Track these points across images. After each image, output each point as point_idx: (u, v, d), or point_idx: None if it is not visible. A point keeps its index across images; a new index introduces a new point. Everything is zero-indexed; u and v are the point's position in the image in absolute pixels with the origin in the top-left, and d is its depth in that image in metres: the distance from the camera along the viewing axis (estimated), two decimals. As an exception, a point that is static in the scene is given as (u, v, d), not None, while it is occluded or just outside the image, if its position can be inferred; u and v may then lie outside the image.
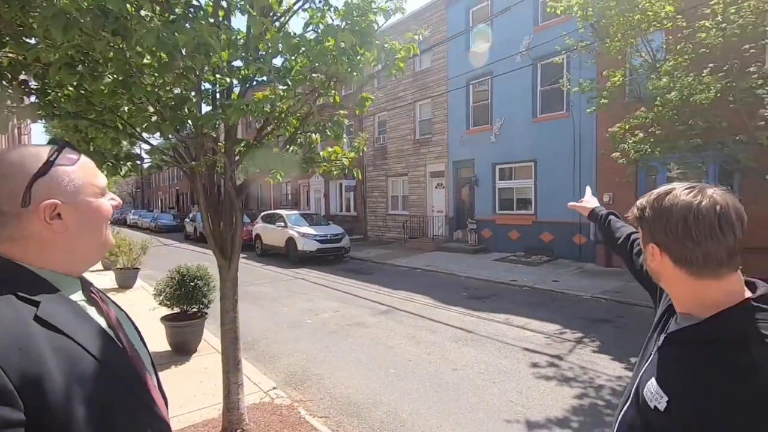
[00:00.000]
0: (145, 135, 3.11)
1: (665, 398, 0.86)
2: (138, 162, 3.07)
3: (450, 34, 14.16)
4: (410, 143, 17.37)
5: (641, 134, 6.75)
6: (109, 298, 0.91)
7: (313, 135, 3.63)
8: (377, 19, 3.26)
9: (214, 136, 2.80)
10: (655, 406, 0.88)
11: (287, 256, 13.85)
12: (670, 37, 7.02)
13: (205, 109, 3.03)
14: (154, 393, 0.84)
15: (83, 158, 0.82)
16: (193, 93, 2.39)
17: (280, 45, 2.20)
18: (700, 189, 0.86)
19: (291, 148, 3.61)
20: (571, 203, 1.89)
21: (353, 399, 4.24)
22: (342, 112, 3.48)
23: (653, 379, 0.92)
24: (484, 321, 6.84)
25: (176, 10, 2.35)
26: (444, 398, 4.21)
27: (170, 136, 2.79)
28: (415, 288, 9.38)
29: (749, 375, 0.77)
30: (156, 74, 1.93)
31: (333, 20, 3.26)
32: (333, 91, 3.23)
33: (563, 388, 4.41)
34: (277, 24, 2.91)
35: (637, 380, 0.98)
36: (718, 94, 5.76)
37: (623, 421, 1.00)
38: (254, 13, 2.36)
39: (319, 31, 2.59)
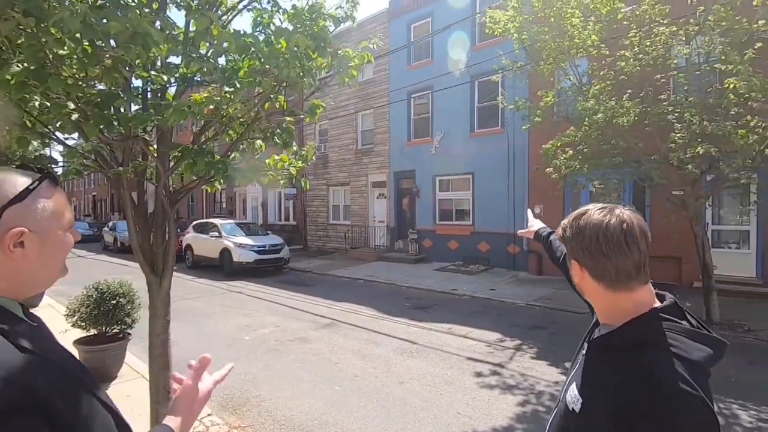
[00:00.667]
0: (60, 135, 2.72)
1: (580, 400, 0.95)
2: (51, 166, 2.66)
3: (392, 48, 14.39)
4: (352, 153, 17.32)
5: (571, 151, 7.25)
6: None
7: (258, 142, 3.42)
8: (324, 25, 3.17)
9: (147, 138, 2.51)
10: (572, 409, 0.97)
11: (222, 267, 13.07)
12: (595, 64, 7.67)
13: (134, 109, 2.73)
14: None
15: (59, 191, 0.84)
16: (121, 90, 2.10)
17: (226, 44, 2.01)
18: (610, 209, 0.96)
19: (232, 155, 3.36)
20: (520, 231, 2.01)
21: (297, 421, 4.01)
22: (289, 119, 3.32)
23: (574, 384, 1.01)
24: (428, 331, 6.88)
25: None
26: (392, 414, 4.11)
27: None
28: (358, 299, 9.25)
29: (640, 374, 0.85)
30: (78, 66, 1.66)
31: (281, 23, 3.10)
32: (281, 97, 3.07)
33: (507, 396, 4.51)
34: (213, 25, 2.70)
35: (565, 387, 1.07)
36: (636, 118, 6.36)
37: (551, 426, 1.08)
38: (196, 7, 2.16)
39: (270, 32, 2.43)
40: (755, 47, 5.88)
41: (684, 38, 6.55)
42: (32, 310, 0.87)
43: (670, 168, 6.70)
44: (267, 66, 2.20)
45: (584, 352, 1.05)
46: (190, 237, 14.73)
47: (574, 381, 1.02)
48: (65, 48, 1.57)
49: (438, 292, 10.01)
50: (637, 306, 0.95)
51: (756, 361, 5.43)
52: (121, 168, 2.57)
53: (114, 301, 4.83)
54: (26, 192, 0.76)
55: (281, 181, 3.55)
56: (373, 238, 16.32)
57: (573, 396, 0.98)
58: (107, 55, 1.51)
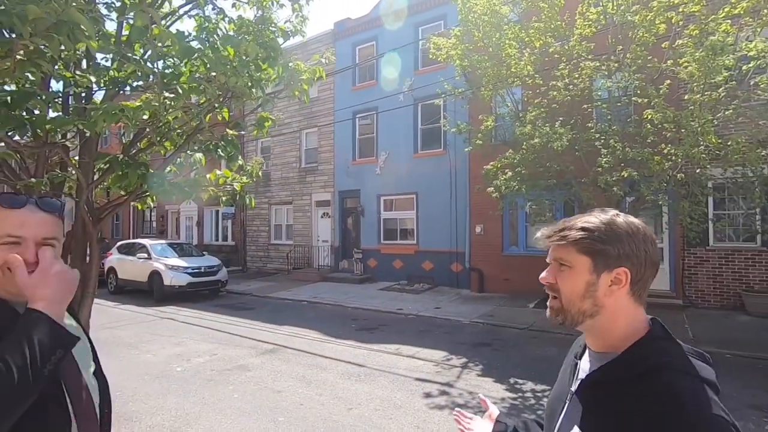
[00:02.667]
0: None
1: None
2: None
3: (337, 68, 14.48)
4: (296, 171, 16.97)
5: (510, 173, 7.62)
6: (79, 325, 1.13)
7: (197, 155, 3.18)
8: (273, 37, 3.06)
9: (70, 146, 2.21)
10: None
11: (151, 292, 12.02)
12: (530, 92, 8.21)
13: (51, 114, 2.41)
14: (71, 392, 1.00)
15: (4, 208, 0.96)
16: (38, 89, 1.83)
17: (168, 46, 1.83)
18: (626, 215, 0.90)
19: (168, 169, 3.09)
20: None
21: (237, 460, 3.66)
22: (232, 132, 3.13)
23: (576, 427, 0.86)
24: (375, 353, 6.73)
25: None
26: (341, 444, 3.90)
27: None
28: (302, 322, 8.89)
29: (670, 402, 0.74)
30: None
31: (226, 31, 2.95)
32: (225, 108, 2.89)
33: (456, 417, 4.46)
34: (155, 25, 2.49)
35: None
36: (568, 143, 6.85)
37: None
38: (133, 2, 1.96)
39: (216, 38, 2.27)
40: (665, 84, 6.62)
41: (606, 72, 7.22)
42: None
43: (597, 190, 7.26)
44: (213, 73, 2.04)
45: (573, 390, 0.92)
46: (114, 259, 13.45)
47: (572, 424, 0.87)
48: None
49: (384, 312, 9.91)
50: (643, 324, 0.86)
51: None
52: (33, 179, 2.23)
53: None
54: None
55: (223, 198, 3.32)
56: (317, 258, 15.95)
57: None
58: (22, 45, 1.29)
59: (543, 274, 0.93)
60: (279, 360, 6.42)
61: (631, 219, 0.88)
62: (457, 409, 1.31)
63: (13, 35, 1.27)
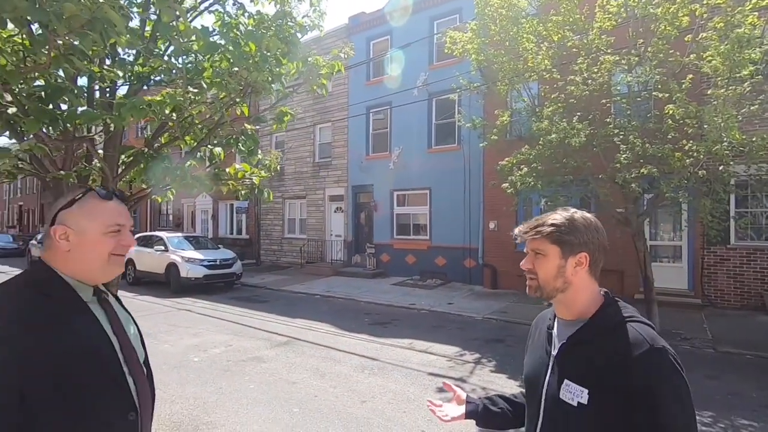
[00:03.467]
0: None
1: (585, 391, 1.02)
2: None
3: (351, 62, 14.46)
4: (309, 166, 17.07)
5: (525, 169, 7.54)
6: (121, 305, 1.18)
7: (217, 149, 3.23)
8: (293, 32, 3.08)
9: (98, 140, 2.27)
10: (578, 402, 1.03)
11: (168, 284, 12.26)
12: (546, 87, 8.09)
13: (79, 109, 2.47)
14: (137, 380, 1.08)
15: (101, 200, 1.06)
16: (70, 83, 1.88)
17: (193, 41, 1.86)
18: (579, 210, 1.16)
19: (189, 162, 3.15)
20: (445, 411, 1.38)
21: (254, 448, 3.74)
22: (249, 126, 3.17)
23: (566, 381, 1.07)
24: (388, 347, 6.77)
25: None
26: (356, 436, 3.94)
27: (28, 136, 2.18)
28: (315, 315, 8.97)
29: (638, 344, 1.00)
30: (22, 51, 1.44)
31: (246, 27, 2.98)
32: (247, 102, 2.92)
33: (470, 412, 4.48)
34: (180, 18, 2.53)
35: (543, 393, 1.13)
36: (585, 139, 6.74)
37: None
38: None
39: (239, 34, 2.30)
40: (687, 78, 6.46)
41: (626, 67, 7.07)
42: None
43: (615, 186, 7.14)
44: (236, 68, 2.07)
45: (555, 353, 1.13)
46: (132, 251, 13.73)
47: (561, 379, 1.07)
48: (5, 30, 1.36)
49: (397, 306, 9.94)
50: (599, 295, 1.13)
51: (692, 368, 5.80)
52: (62, 172, 2.30)
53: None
54: (72, 201, 1.04)
55: (242, 192, 3.37)
56: (330, 252, 16.05)
57: (573, 390, 1.04)
58: (58, 41, 1.33)
59: (523, 262, 1.17)
60: (293, 352, 6.51)
61: (586, 214, 1.14)
62: (428, 399, 1.50)
63: (49, 32, 1.31)
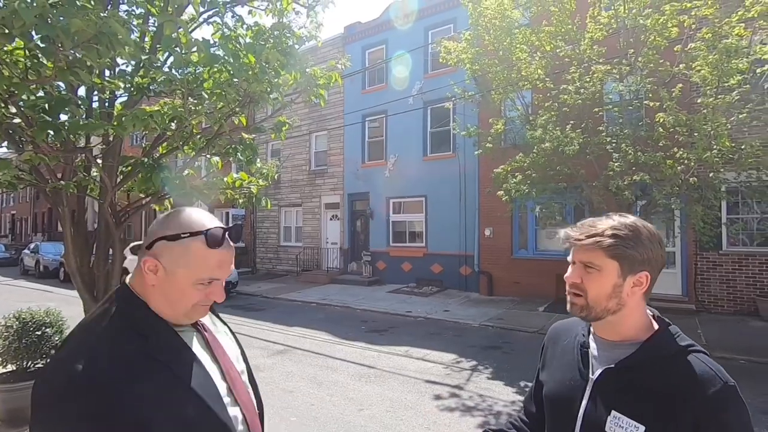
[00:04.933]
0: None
1: (642, 427, 0.89)
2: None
3: (347, 71, 14.58)
4: (305, 174, 17.10)
5: (520, 176, 7.62)
6: (219, 319, 1.12)
7: (215, 158, 3.26)
8: (290, 43, 3.14)
9: (99, 150, 2.29)
10: None
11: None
12: (540, 96, 8.21)
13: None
14: (241, 405, 0.99)
15: (208, 249, 0.92)
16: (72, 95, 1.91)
17: (194, 53, 1.90)
18: (642, 220, 1.00)
19: (187, 171, 3.18)
20: None
21: (251, 458, 3.71)
22: (247, 136, 3.21)
23: (615, 413, 0.92)
24: (385, 355, 6.76)
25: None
26: (353, 444, 3.94)
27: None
28: (312, 323, 8.95)
29: (704, 377, 0.88)
30: (29, 64, 1.47)
31: (244, 38, 3.03)
32: (245, 112, 2.96)
33: (467, 419, 4.49)
34: (180, 30, 2.58)
35: (579, 420, 0.97)
36: (579, 147, 6.83)
37: None
38: (158, 10, 2.03)
39: (238, 46, 2.34)
40: (677, 87, 6.59)
41: (618, 76, 7.20)
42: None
43: (608, 193, 7.23)
44: (235, 79, 2.11)
45: (595, 378, 0.98)
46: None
47: (608, 410, 0.93)
48: (13, 44, 1.39)
49: (393, 314, 9.94)
50: (647, 315, 1.00)
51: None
52: (62, 182, 2.32)
53: (39, 332, 4.29)
54: (176, 237, 0.91)
55: (240, 201, 3.39)
56: (326, 260, 16.03)
57: (626, 426, 0.90)
58: (63, 55, 1.36)
59: (568, 274, 0.99)
60: (290, 361, 6.49)
61: (648, 225, 0.97)
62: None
63: (57, 45, 1.35)
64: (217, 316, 1.12)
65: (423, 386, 5.40)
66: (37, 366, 4.37)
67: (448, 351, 6.91)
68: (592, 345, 1.03)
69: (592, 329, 1.05)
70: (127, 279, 0.99)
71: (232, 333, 1.13)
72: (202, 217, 0.95)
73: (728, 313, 8.97)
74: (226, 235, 0.94)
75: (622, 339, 0.97)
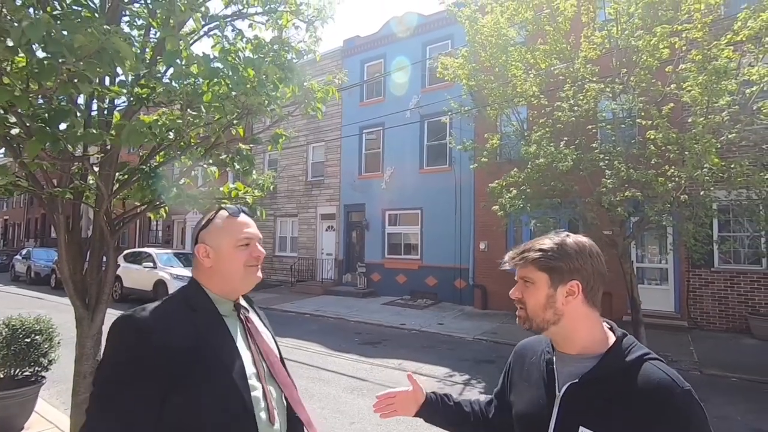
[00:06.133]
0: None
1: None
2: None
3: (345, 84, 14.75)
4: (302, 184, 17.15)
5: (515, 191, 7.70)
6: (257, 315, 1.28)
7: (212, 168, 3.29)
8: (289, 57, 3.20)
9: (97, 158, 2.32)
10: None
11: (155, 301, 12.06)
12: (535, 112, 8.34)
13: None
14: (277, 379, 1.15)
15: (230, 217, 1.17)
16: (72, 106, 1.94)
17: (194, 67, 1.95)
18: (573, 234, 1.06)
19: (184, 181, 3.20)
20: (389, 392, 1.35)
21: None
22: (245, 147, 3.24)
23: (582, 429, 0.94)
24: (378, 368, 6.73)
25: (57, 5, 1.97)
26: (343, 458, 3.90)
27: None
28: (305, 335, 8.90)
29: (659, 386, 0.91)
30: (30, 77, 1.50)
31: (244, 51, 3.09)
32: (241, 125, 3.00)
33: (458, 434, 4.46)
34: (182, 44, 2.63)
35: None
36: (572, 163, 6.93)
37: None
38: (159, 22, 2.08)
39: (238, 60, 2.40)
40: (668, 106, 6.73)
41: (611, 95, 7.34)
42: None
43: (601, 209, 7.30)
44: (233, 92, 2.15)
45: (561, 394, 1.00)
46: (120, 267, 13.56)
47: (575, 425, 0.95)
48: (18, 58, 1.43)
49: (387, 326, 9.90)
50: (602, 326, 1.03)
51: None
52: (58, 189, 2.34)
53: (28, 340, 4.25)
54: (207, 221, 1.17)
55: (236, 210, 3.42)
56: (321, 270, 15.99)
57: None
58: (65, 69, 1.40)
59: (512, 291, 1.08)
60: (282, 372, 6.43)
61: (580, 238, 1.04)
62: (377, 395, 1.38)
63: (59, 60, 1.38)
64: (258, 315, 1.28)
65: (415, 400, 5.37)
66: (25, 374, 4.32)
67: (441, 364, 6.89)
68: (556, 361, 1.06)
69: (553, 344, 1.09)
70: (191, 273, 1.20)
71: (271, 333, 1.29)
72: (216, 208, 1.22)
73: (720, 330, 9.01)
74: (241, 209, 1.20)
75: (580, 352, 1.01)
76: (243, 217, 1.19)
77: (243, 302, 1.22)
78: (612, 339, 1.02)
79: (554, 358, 1.07)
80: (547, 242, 1.03)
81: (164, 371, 0.97)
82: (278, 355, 1.24)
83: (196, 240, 1.18)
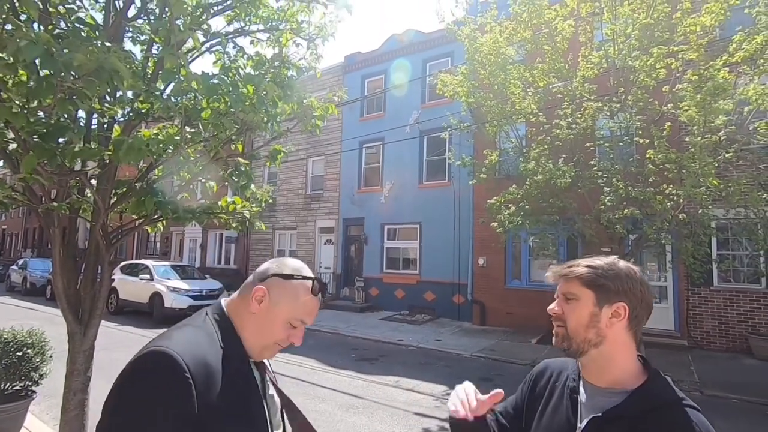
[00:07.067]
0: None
1: None
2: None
3: (346, 99, 14.88)
4: (301, 197, 17.17)
5: (513, 207, 7.71)
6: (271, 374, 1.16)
7: (210, 183, 3.29)
8: (289, 74, 3.24)
9: (93, 174, 2.32)
10: None
11: (151, 313, 11.98)
12: (533, 129, 8.40)
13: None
14: None
15: (310, 295, 1.06)
16: (71, 122, 1.95)
17: (194, 84, 1.96)
18: (625, 261, 1.01)
19: (182, 195, 3.20)
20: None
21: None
22: (243, 161, 3.25)
23: None
24: (375, 385, 6.63)
25: (61, 24, 1.99)
26: (337, 479, 3.81)
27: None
28: (302, 350, 8.78)
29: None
30: (29, 95, 1.51)
31: (245, 68, 3.13)
32: (240, 141, 3.02)
33: (455, 455, 4.37)
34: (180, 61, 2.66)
35: None
36: (570, 180, 6.95)
37: None
38: (160, 38, 2.11)
39: (238, 77, 2.42)
40: (666, 125, 6.78)
41: (609, 113, 7.41)
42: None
43: (600, 227, 7.30)
44: (232, 109, 2.17)
45: (582, 426, 0.96)
46: (116, 279, 13.47)
47: None
48: (17, 76, 1.44)
49: (385, 342, 9.80)
50: (637, 361, 0.97)
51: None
52: (54, 203, 2.33)
53: (20, 353, 4.19)
54: (290, 276, 1.05)
55: (234, 225, 3.41)
56: (319, 284, 15.88)
57: None
58: (65, 86, 1.41)
59: (551, 306, 1.02)
60: (277, 389, 6.34)
61: (630, 264, 1.00)
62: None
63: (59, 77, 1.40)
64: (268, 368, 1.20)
65: (412, 419, 5.28)
66: (15, 388, 4.25)
67: (438, 382, 6.79)
68: (582, 391, 1.01)
69: (581, 373, 1.03)
70: (222, 301, 1.08)
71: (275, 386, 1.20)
72: (306, 268, 1.12)
73: (721, 350, 8.92)
74: (321, 291, 1.09)
75: (610, 384, 0.95)
76: (319, 298, 1.08)
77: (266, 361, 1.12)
78: (643, 376, 0.96)
79: (579, 386, 1.02)
80: (597, 260, 0.99)
81: (197, 427, 0.87)
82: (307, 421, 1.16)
83: (264, 278, 1.05)
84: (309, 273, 1.09)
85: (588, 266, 0.98)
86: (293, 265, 1.09)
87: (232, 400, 0.93)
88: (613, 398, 0.93)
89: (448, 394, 5.01)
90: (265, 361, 1.11)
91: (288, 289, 1.04)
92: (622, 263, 0.98)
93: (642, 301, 0.96)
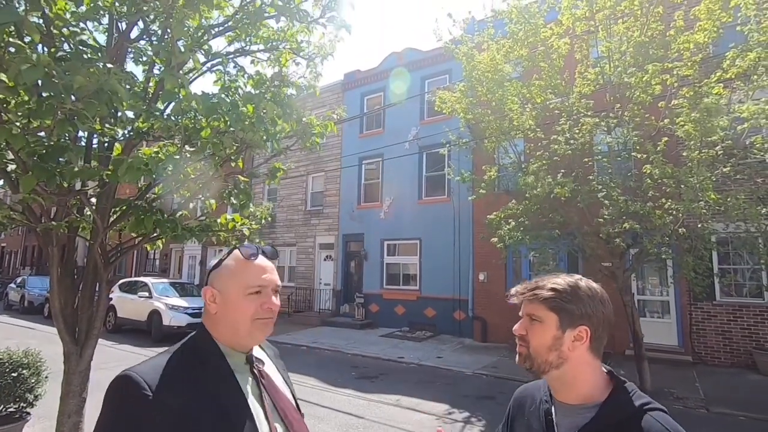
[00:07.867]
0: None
1: None
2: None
3: (345, 116, 15.03)
4: (301, 214, 17.18)
5: (513, 223, 7.70)
6: (274, 364, 1.17)
7: (210, 200, 3.30)
8: (288, 93, 3.28)
9: (93, 193, 2.32)
10: None
11: (149, 332, 11.85)
12: (531, 145, 8.46)
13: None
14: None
15: (243, 260, 1.04)
16: (69, 142, 1.97)
17: (194, 104, 1.98)
18: (587, 279, 1.03)
19: (181, 213, 3.20)
20: None
21: None
22: (244, 179, 3.27)
23: None
24: (375, 404, 6.52)
25: (65, 46, 2.02)
26: (337, 503, 3.71)
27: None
28: (301, 368, 8.66)
29: None
30: (29, 116, 1.53)
31: (245, 87, 3.17)
32: (240, 159, 3.04)
33: (458, 477, 4.27)
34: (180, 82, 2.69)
35: None
36: (570, 194, 6.97)
37: None
38: (162, 60, 2.14)
39: (238, 97, 2.45)
40: (662, 141, 6.84)
41: (606, 129, 7.47)
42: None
43: (600, 241, 7.29)
44: (231, 128, 2.19)
45: None
46: (114, 297, 13.37)
47: None
48: (18, 98, 1.46)
49: (385, 360, 9.67)
50: (604, 374, 0.99)
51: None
52: (53, 222, 2.33)
53: (15, 374, 4.14)
54: (219, 262, 1.05)
55: (233, 242, 3.40)
56: (318, 301, 15.78)
57: None
58: (66, 108, 1.42)
59: (516, 326, 1.04)
60: (275, 408, 6.22)
61: (592, 283, 1.02)
62: None
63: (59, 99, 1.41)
64: (274, 364, 1.18)
65: (413, 439, 5.18)
66: (9, 410, 4.18)
67: (440, 401, 6.68)
68: (554, 411, 1.03)
69: (552, 392, 1.05)
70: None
71: (285, 380, 1.18)
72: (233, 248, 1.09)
73: (725, 365, 8.80)
74: (260, 250, 1.06)
75: (581, 401, 0.97)
76: (260, 260, 1.05)
77: (258, 352, 1.10)
78: (609, 387, 0.98)
79: (553, 408, 1.03)
80: (560, 282, 1.00)
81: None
82: (299, 415, 1.13)
83: (206, 283, 1.06)
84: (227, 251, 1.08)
85: (552, 289, 0.99)
86: (223, 253, 1.10)
87: (208, 404, 0.92)
88: (585, 414, 0.95)
89: (451, 414, 5.01)
90: (265, 365, 1.09)
91: (224, 272, 1.03)
92: (583, 284, 1.00)
93: (604, 322, 0.98)
